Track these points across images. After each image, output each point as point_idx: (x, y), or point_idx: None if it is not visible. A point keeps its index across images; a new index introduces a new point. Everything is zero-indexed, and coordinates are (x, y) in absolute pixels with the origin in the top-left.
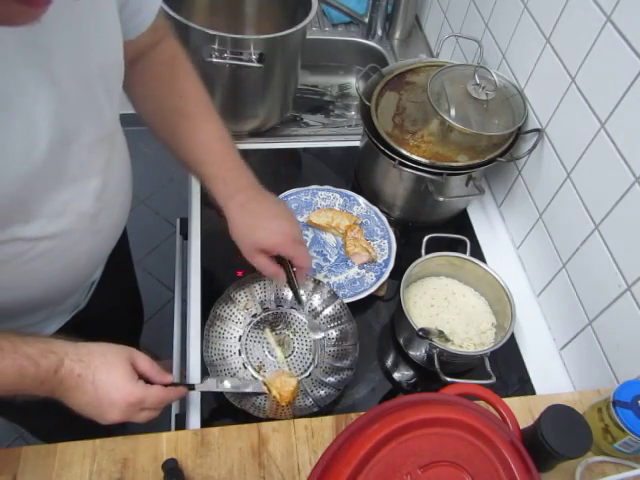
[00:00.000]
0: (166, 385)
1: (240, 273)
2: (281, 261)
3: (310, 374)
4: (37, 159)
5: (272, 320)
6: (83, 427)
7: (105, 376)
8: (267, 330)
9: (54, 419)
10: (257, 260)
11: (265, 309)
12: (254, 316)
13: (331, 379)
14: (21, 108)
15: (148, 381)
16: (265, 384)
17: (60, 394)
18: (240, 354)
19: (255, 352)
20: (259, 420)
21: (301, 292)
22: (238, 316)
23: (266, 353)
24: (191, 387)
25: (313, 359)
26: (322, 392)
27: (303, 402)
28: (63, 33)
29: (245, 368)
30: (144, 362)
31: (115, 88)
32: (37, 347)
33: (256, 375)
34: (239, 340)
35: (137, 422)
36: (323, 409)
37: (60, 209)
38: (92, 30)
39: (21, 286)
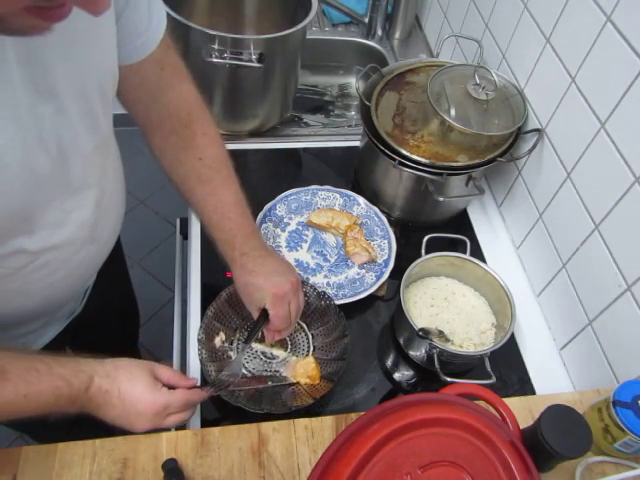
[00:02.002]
0: (189, 388)
1: (230, 274)
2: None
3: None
4: (41, 172)
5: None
6: (83, 432)
7: (130, 389)
8: (254, 343)
9: (54, 425)
10: (253, 314)
11: (235, 329)
12: (232, 343)
13: (324, 372)
14: (25, 121)
15: (173, 388)
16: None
17: (90, 410)
18: (245, 376)
19: (258, 367)
20: (259, 420)
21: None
22: (221, 351)
23: (268, 361)
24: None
25: (308, 338)
26: (321, 384)
27: (300, 398)
28: (61, 47)
29: None
30: (165, 371)
31: (109, 96)
32: (69, 367)
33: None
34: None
35: (169, 427)
36: (318, 405)
37: (62, 220)
38: (91, 42)
39: (23, 296)
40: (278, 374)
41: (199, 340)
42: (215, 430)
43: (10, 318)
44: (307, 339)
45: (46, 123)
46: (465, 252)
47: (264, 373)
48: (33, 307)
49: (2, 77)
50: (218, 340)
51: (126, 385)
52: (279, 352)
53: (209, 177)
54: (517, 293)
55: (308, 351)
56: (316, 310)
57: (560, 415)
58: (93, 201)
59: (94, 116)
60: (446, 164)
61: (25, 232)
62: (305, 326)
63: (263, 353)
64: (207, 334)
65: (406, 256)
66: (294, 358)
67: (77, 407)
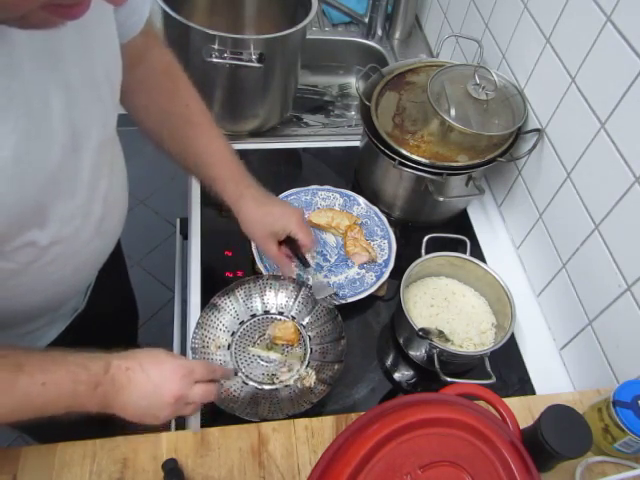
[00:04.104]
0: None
1: (230, 274)
2: (289, 243)
3: (309, 362)
4: (53, 164)
5: (249, 334)
6: (83, 432)
7: (151, 360)
8: (249, 347)
9: (54, 425)
10: (269, 247)
11: (232, 333)
12: (228, 348)
13: (322, 375)
14: (38, 113)
15: None
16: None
17: (113, 396)
18: (242, 382)
19: (255, 371)
20: (259, 420)
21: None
22: (216, 356)
23: (264, 364)
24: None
25: (304, 341)
26: (318, 388)
27: (297, 403)
28: (71, 37)
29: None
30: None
31: (118, 88)
32: (82, 355)
33: (272, 383)
34: (235, 374)
35: (195, 400)
36: (318, 405)
37: (72, 213)
38: (96, 32)
39: (32, 292)
40: (275, 378)
41: (193, 349)
42: (215, 430)
43: (18, 314)
44: (304, 342)
45: (58, 116)
46: (465, 252)
47: (261, 377)
48: (40, 303)
49: (14, 70)
50: (213, 346)
51: (147, 358)
52: (276, 355)
53: (199, 120)
54: (517, 293)
55: (305, 354)
56: (313, 313)
57: (560, 415)
58: (101, 195)
59: (104, 108)
60: (446, 164)
61: (37, 225)
62: (302, 329)
63: (259, 357)
64: (202, 341)
65: (406, 256)
66: (289, 362)
67: (99, 394)
